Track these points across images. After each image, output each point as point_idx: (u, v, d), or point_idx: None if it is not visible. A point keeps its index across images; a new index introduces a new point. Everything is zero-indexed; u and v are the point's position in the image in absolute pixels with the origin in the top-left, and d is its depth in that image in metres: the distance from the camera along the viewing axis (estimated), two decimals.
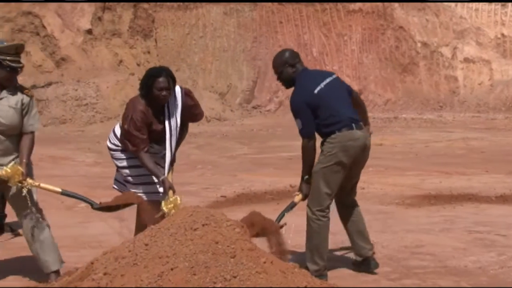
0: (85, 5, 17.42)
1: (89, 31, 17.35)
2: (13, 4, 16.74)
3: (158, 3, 18.06)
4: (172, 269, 3.28)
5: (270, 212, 6.86)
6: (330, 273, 4.58)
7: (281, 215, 4.78)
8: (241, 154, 11.23)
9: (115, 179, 5.09)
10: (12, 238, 5.89)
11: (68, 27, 17.31)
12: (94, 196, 7.69)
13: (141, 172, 4.84)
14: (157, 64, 17.73)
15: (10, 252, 5.41)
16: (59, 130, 14.59)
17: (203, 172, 9.77)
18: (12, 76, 4.47)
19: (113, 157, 4.98)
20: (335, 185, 4.59)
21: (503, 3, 19.44)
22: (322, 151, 4.67)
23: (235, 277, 3.24)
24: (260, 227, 4.41)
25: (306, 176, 4.71)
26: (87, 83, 15.93)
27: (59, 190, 4.87)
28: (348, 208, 4.80)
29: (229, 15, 18.50)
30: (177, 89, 4.84)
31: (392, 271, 4.68)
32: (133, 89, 16.13)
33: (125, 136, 4.72)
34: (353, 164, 4.63)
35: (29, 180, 4.67)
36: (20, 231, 6.11)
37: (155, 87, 4.69)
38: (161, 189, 4.75)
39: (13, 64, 4.40)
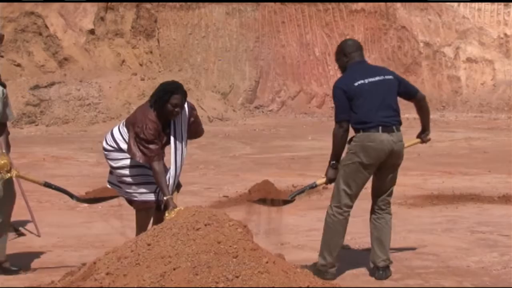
0: (88, 5, 17.43)
1: (92, 31, 17.35)
2: (15, 4, 16.75)
3: (161, 3, 18.06)
4: (174, 269, 3.28)
5: (272, 212, 6.87)
6: None
7: (299, 192, 4.99)
8: (244, 154, 11.23)
9: (109, 181, 5.07)
10: (15, 238, 5.89)
11: (70, 27, 17.32)
12: None
13: (137, 172, 4.84)
14: (159, 64, 17.76)
15: (12, 252, 5.41)
16: (62, 130, 14.60)
17: (205, 172, 9.77)
18: None
19: (107, 158, 4.97)
20: (355, 184, 4.60)
21: (506, 3, 19.40)
22: (347, 148, 4.72)
23: (237, 277, 3.24)
24: (268, 194, 4.77)
25: (333, 162, 4.73)
26: (89, 83, 15.94)
27: (42, 182, 4.94)
28: (376, 213, 4.77)
29: (232, 15, 18.50)
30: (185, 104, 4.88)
31: (394, 271, 4.68)
32: (135, 89, 16.15)
33: (141, 144, 4.70)
34: (380, 168, 4.62)
35: (14, 171, 4.66)
36: (23, 230, 6.14)
37: (170, 103, 4.70)
38: (154, 190, 4.78)
39: None
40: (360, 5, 19.02)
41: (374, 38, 19.31)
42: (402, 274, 4.62)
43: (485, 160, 10.19)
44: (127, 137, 4.82)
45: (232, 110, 17.24)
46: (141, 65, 17.74)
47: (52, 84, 15.96)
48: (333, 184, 4.78)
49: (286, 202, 4.90)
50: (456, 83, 19.35)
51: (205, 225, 3.51)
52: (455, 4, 19.58)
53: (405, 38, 19.38)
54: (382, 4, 19.26)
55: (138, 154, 4.71)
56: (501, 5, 19.49)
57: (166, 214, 4.45)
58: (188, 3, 18.27)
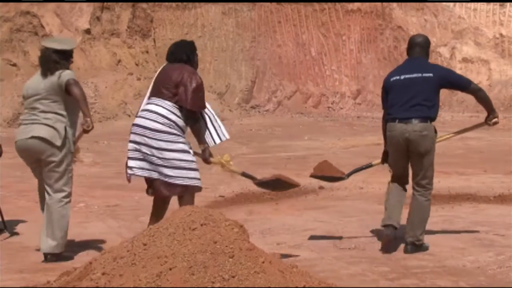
0: (84, 5, 17.41)
1: (88, 31, 17.34)
2: (11, 3, 16.73)
3: (157, 3, 18.05)
4: (170, 269, 3.28)
5: (269, 212, 6.88)
6: (328, 273, 4.58)
7: (355, 171, 5.68)
8: (240, 154, 11.23)
9: (139, 167, 5.02)
10: (8, 238, 5.88)
11: (66, 27, 17.31)
12: (93, 196, 7.72)
13: (191, 158, 5.06)
14: (155, 64, 17.74)
15: (9, 251, 5.40)
16: None
17: (201, 172, 9.75)
18: None
19: (161, 139, 4.96)
20: (392, 164, 5.36)
21: (501, 3, 19.45)
22: None
23: (233, 277, 3.24)
24: (328, 172, 5.56)
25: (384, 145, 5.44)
26: (85, 83, 15.92)
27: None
28: (413, 194, 5.30)
29: (228, 15, 18.50)
30: None
31: (390, 271, 4.69)
32: (131, 89, 16.14)
33: (200, 92, 5.05)
34: (410, 155, 5.21)
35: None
36: (16, 230, 6.12)
37: (197, 56, 5.29)
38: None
39: None
40: (356, 5, 19.04)
41: (370, 38, 19.33)
42: (398, 274, 4.63)
43: (481, 160, 10.21)
44: (176, 111, 5.00)
45: (229, 110, 17.24)
46: (137, 64, 17.72)
47: None
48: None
49: (341, 179, 5.64)
50: None
51: (201, 225, 3.51)
52: (451, 4, 19.62)
53: (401, 38, 19.41)
54: (378, 4, 19.28)
55: (202, 103, 5.12)
56: (497, 5, 19.55)
57: (212, 159, 5.18)
58: (184, 3, 18.27)
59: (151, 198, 5.30)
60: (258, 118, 17.06)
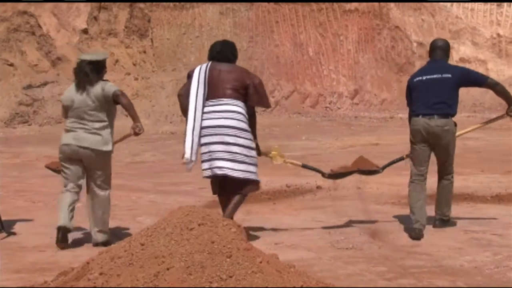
0: (81, 4, 17.39)
1: (85, 31, 17.32)
2: (8, 3, 16.71)
3: (154, 3, 18.04)
4: (168, 269, 3.28)
5: (267, 212, 6.88)
6: (325, 273, 4.58)
7: (388, 164, 6.23)
8: None
9: (231, 168, 5.36)
10: (6, 238, 5.88)
11: (64, 27, 17.29)
12: None
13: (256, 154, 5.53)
14: (153, 64, 17.73)
15: (6, 251, 5.39)
16: (55, 130, 14.54)
17: (199, 171, 9.74)
18: None
19: (243, 137, 5.41)
20: (415, 157, 5.90)
21: (498, 3, 19.47)
22: None
23: (231, 276, 3.24)
24: (364, 166, 6.12)
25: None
26: None
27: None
28: (438, 179, 6.00)
29: (225, 15, 18.49)
30: None
31: (388, 271, 4.69)
32: (129, 89, 16.12)
33: (265, 90, 5.57)
34: (433, 147, 5.83)
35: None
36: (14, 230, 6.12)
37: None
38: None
39: None
40: (354, 5, 19.04)
41: (367, 38, 19.34)
42: (395, 274, 4.63)
43: (478, 160, 10.22)
44: (245, 110, 5.42)
45: None
46: (134, 64, 17.71)
47: (45, 83, 15.93)
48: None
49: (377, 172, 6.17)
50: None
51: (199, 225, 3.51)
52: (448, 4, 19.64)
53: (399, 38, 19.42)
54: (376, 4, 19.29)
55: (268, 99, 5.66)
56: (494, 5, 19.56)
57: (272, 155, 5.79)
58: (182, 3, 18.26)
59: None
60: None
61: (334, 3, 18.91)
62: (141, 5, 17.97)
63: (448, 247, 5.30)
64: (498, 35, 19.55)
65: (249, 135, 5.45)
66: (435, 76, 5.82)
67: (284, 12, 18.76)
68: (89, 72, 5.53)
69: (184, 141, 5.39)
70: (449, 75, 5.81)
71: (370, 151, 10.16)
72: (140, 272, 3.30)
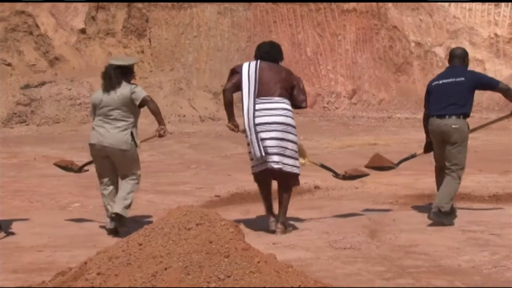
0: (79, 4, 17.37)
1: (83, 31, 17.30)
2: (6, 3, 16.68)
3: (152, 3, 18.02)
4: (166, 269, 3.27)
5: (265, 212, 6.87)
6: (323, 273, 4.59)
7: (402, 160, 6.72)
8: (235, 154, 11.23)
9: (284, 163, 5.65)
10: (3, 238, 5.87)
11: (61, 27, 17.26)
12: (88, 196, 7.70)
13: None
14: (151, 63, 17.72)
15: (4, 251, 5.39)
16: (53, 130, 14.55)
17: (197, 171, 9.76)
18: None
19: (291, 132, 5.73)
20: (435, 154, 6.42)
21: (496, 3, 19.48)
22: None
23: (229, 276, 3.24)
24: (381, 162, 6.61)
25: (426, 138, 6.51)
26: (80, 82, 15.90)
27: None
28: (445, 174, 6.31)
29: (223, 15, 18.49)
30: None
31: (386, 271, 4.69)
32: None
33: (305, 91, 5.94)
34: (442, 143, 6.25)
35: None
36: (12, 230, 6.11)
37: None
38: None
39: None
40: (352, 5, 19.04)
41: (365, 38, 19.34)
42: (393, 274, 4.63)
43: (476, 159, 10.22)
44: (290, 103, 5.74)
45: (224, 110, 17.22)
46: None
47: (43, 83, 15.91)
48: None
49: (392, 168, 6.64)
50: None
51: (197, 224, 3.50)
52: (446, 4, 19.64)
53: (397, 38, 19.42)
54: (374, 4, 19.29)
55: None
56: (492, 5, 19.57)
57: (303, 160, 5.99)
58: (180, 3, 18.25)
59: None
60: None
61: (332, 3, 18.91)
62: (139, 5, 17.96)
63: (446, 247, 5.30)
64: (496, 35, 19.56)
65: (296, 131, 5.81)
66: (450, 80, 6.29)
67: (282, 12, 18.76)
68: (113, 76, 5.97)
69: (250, 142, 5.73)
70: (462, 79, 6.26)
71: (368, 151, 10.16)
72: (138, 272, 3.30)
